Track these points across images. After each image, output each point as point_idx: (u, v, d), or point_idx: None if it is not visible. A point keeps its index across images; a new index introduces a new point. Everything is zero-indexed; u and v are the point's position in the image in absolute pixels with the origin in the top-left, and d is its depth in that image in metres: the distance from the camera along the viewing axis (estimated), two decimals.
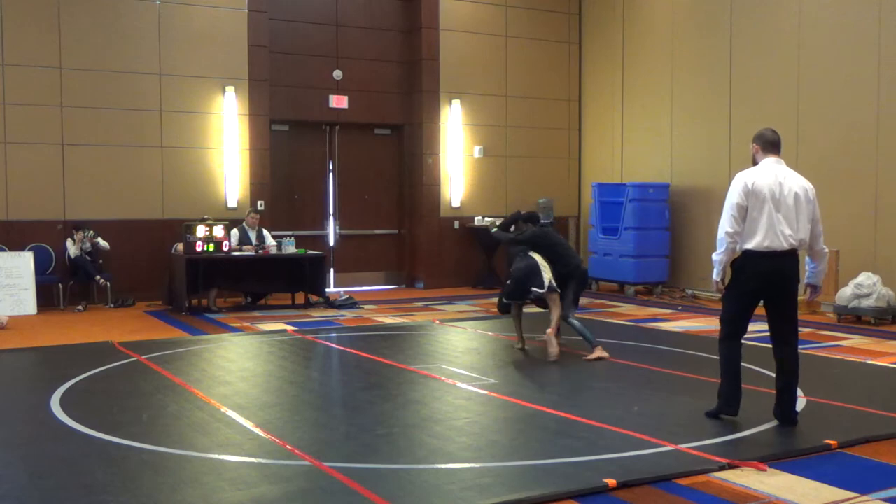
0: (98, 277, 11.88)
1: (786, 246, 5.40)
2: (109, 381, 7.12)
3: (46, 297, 11.75)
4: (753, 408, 5.98)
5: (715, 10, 13.16)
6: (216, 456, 4.96)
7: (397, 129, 15.01)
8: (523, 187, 15.37)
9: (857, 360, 7.99)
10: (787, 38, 12.05)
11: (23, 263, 11.54)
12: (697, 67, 13.53)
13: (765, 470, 4.62)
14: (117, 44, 12.43)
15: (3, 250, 11.65)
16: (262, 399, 6.56)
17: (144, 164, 12.62)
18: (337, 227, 14.53)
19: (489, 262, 14.69)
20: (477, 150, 15.04)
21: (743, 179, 5.49)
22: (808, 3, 11.82)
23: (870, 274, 10.35)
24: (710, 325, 10.30)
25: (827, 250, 5.65)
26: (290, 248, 12.07)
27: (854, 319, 10.41)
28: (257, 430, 5.48)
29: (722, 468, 4.65)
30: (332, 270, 14.30)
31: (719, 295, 5.73)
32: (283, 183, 14.00)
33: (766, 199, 5.38)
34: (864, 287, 10.23)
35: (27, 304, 11.39)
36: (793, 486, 4.38)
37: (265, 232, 12.43)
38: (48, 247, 12.02)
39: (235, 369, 7.68)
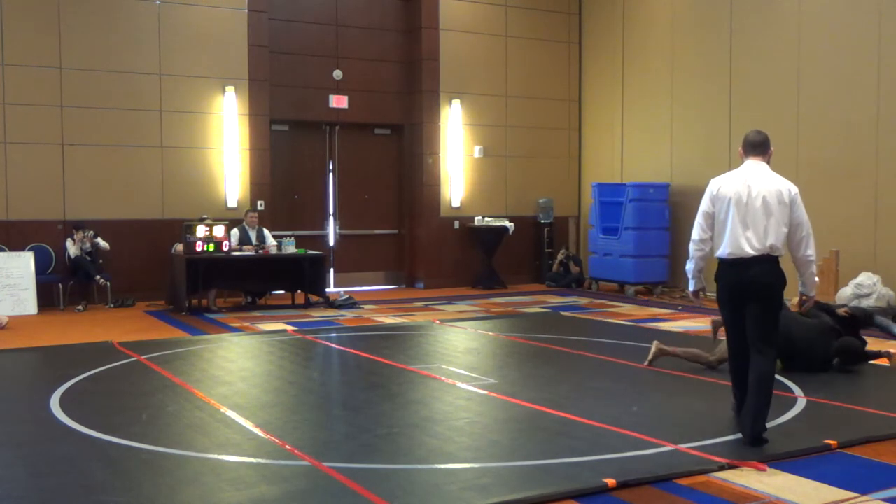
0: (98, 277, 11.87)
1: (752, 252, 5.12)
2: (109, 381, 7.12)
3: (46, 297, 11.74)
4: None
5: (715, 10, 13.15)
6: (215, 456, 4.95)
7: (397, 129, 15.01)
8: (523, 187, 15.38)
9: None
10: (787, 38, 12.05)
11: (23, 263, 11.53)
12: (697, 67, 13.52)
13: (765, 470, 4.62)
14: (117, 44, 12.43)
15: (3, 250, 11.64)
16: (262, 399, 6.56)
17: (144, 164, 12.62)
18: (337, 227, 14.53)
19: (489, 262, 14.68)
20: (477, 150, 15.04)
21: (711, 185, 5.47)
22: (808, 3, 11.82)
23: (870, 274, 10.35)
24: (709, 325, 10.29)
25: (812, 257, 5.24)
26: (290, 248, 12.06)
27: None
28: (257, 431, 5.48)
29: (722, 468, 4.65)
30: (332, 270, 14.29)
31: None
32: (283, 183, 13.99)
33: (731, 204, 5.23)
34: (864, 287, 10.23)
35: (27, 304, 11.39)
36: (793, 486, 4.38)
37: (265, 232, 12.43)
38: (48, 247, 12.01)
39: (235, 369, 7.68)
